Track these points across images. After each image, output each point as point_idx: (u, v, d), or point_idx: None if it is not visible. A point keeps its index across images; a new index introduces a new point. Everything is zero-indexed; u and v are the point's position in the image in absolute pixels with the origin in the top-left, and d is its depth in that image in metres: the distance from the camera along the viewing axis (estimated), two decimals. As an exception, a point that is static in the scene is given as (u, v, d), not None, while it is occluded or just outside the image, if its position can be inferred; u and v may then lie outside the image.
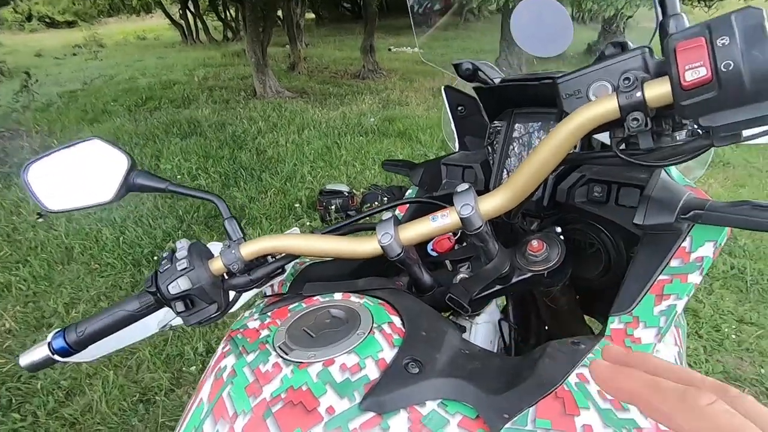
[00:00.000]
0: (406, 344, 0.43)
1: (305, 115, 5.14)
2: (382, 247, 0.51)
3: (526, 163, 0.45)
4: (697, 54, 0.33)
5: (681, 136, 0.41)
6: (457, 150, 0.84)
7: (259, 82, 6.04)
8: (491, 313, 0.65)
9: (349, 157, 3.90)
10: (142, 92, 6.46)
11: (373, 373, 0.40)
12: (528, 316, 0.73)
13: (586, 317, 0.72)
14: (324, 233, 0.60)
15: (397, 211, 0.86)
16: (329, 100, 5.92)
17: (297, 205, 3.09)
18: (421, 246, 0.73)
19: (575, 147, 0.63)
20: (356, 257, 0.55)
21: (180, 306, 0.50)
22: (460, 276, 0.62)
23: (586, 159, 0.58)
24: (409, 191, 0.88)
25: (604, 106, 0.39)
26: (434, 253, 0.69)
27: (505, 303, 0.73)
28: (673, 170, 0.58)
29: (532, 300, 0.71)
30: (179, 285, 0.49)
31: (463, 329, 0.62)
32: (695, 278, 0.49)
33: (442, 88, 0.81)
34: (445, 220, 0.51)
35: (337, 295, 0.54)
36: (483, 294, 0.59)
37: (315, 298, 0.54)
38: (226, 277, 0.54)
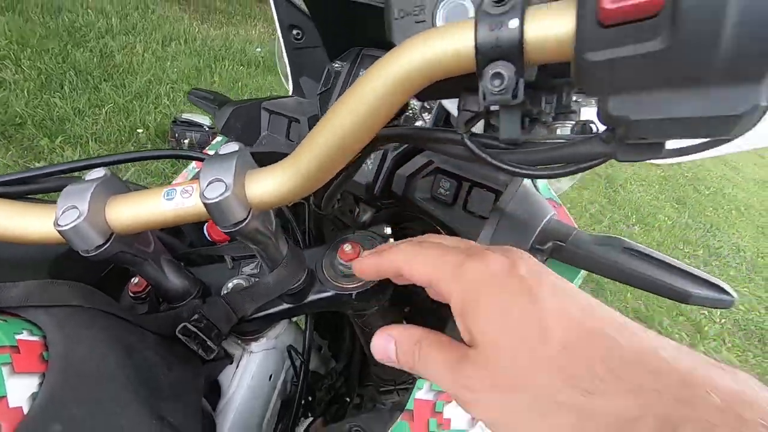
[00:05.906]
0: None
1: (178, 25, 4.26)
2: (61, 232, 0.27)
3: (320, 127, 0.25)
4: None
5: (565, 130, 0.25)
6: (291, 93, 0.61)
7: (123, -31, 4.82)
8: (280, 335, 0.45)
9: (221, 86, 3.33)
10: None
11: None
12: (340, 334, 0.56)
13: None
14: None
15: (192, 166, 0.61)
16: (213, 16, 5.02)
17: (140, 130, 2.53)
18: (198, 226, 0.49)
19: (415, 113, 0.45)
20: (22, 241, 0.30)
21: None
22: (235, 281, 0.40)
23: (414, 139, 0.33)
24: (218, 138, 0.62)
25: (450, 38, 0.19)
26: (214, 241, 0.46)
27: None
28: (540, 176, 0.44)
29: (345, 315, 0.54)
30: None
31: (224, 361, 0.41)
32: None
33: None
34: (185, 200, 0.28)
35: None
36: (261, 314, 0.39)
37: None
38: None
